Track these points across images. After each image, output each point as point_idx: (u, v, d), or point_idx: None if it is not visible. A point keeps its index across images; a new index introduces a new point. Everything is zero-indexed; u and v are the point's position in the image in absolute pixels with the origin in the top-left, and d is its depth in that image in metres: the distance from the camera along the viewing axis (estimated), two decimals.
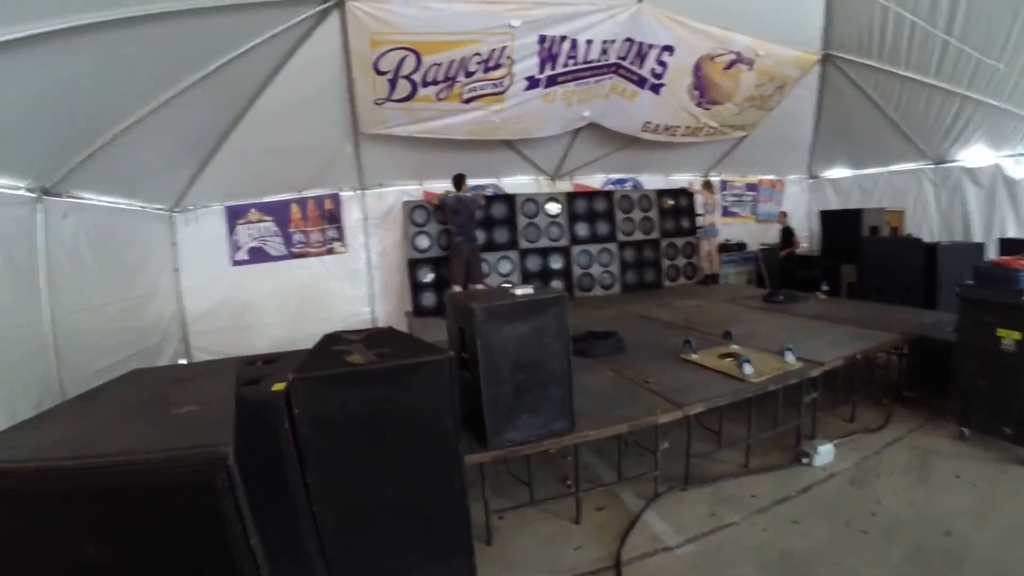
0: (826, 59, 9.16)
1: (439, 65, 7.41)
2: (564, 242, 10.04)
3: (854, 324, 6.30)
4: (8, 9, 3.79)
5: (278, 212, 9.35)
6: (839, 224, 10.17)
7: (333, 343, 3.51)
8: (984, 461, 4.57)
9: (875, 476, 4.46)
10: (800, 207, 12.99)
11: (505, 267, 9.61)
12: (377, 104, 7.73)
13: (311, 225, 9.53)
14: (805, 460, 4.66)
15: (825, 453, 4.67)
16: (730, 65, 8.84)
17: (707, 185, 11.11)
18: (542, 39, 7.51)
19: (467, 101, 8.09)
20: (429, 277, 9.08)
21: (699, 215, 10.96)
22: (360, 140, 8.66)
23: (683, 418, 4.19)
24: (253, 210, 9.17)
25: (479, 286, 8.46)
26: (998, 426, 4.65)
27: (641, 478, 4.39)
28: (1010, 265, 4.69)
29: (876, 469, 4.57)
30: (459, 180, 8.67)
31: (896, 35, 7.92)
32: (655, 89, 8.98)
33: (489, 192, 10.38)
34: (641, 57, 8.39)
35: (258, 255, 9.27)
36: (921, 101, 8.80)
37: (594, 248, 10.22)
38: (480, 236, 9.33)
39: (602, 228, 10.32)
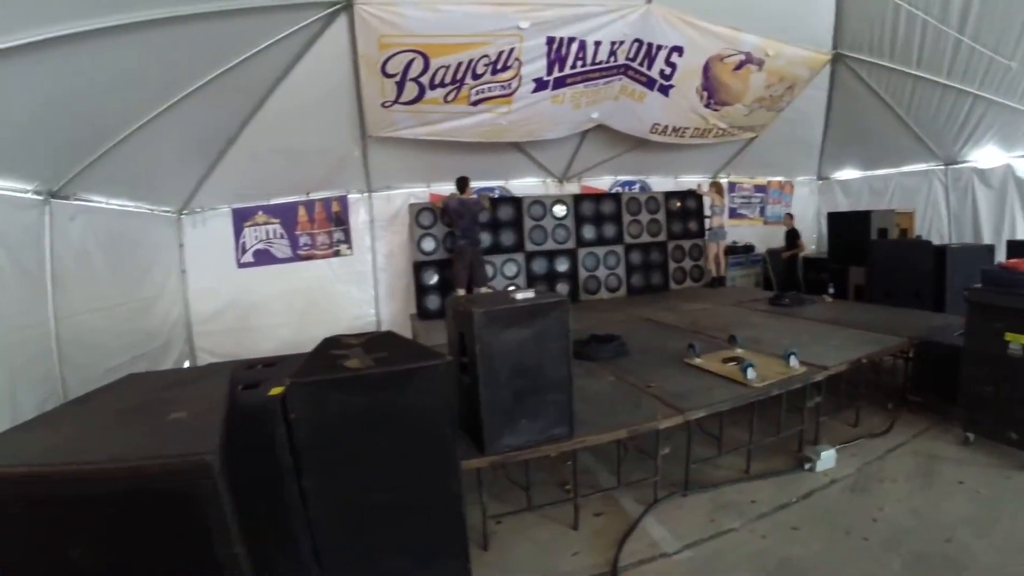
0: (836, 59, 9.09)
1: (447, 67, 7.42)
2: (570, 244, 10.00)
3: (860, 328, 6.25)
4: (18, 14, 3.83)
5: (285, 214, 9.39)
6: (847, 226, 10.06)
7: (332, 347, 3.52)
8: (989, 467, 4.52)
9: (878, 482, 4.42)
10: (809, 209, 12.92)
11: (511, 270, 9.58)
12: (385, 107, 7.76)
13: (318, 228, 9.58)
14: (807, 465, 4.62)
15: (827, 458, 4.62)
16: (740, 66, 8.79)
17: (715, 186, 11.04)
18: (550, 40, 7.49)
19: (475, 103, 8.09)
20: (434, 280, 9.08)
21: (707, 217, 10.90)
22: (368, 142, 8.69)
23: (684, 423, 4.17)
24: (260, 212, 9.23)
25: (483, 289, 8.45)
26: (1004, 432, 4.60)
27: (641, 483, 4.35)
28: (1019, 269, 4.63)
29: (879, 475, 4.53)
30: (462, 183, 8.66)
31: (908, 33, 7.85)
32: (664, 90, 8.95)
33: (496, 194, 10.39)
34: (650, 58, 8.36)
35: (264, 257, 9.33)
36: (933, 101, 8.73)
37: (600, 251, 10.17)
38: (486, 239, 9.33)
39: (609, 230, 10.27)
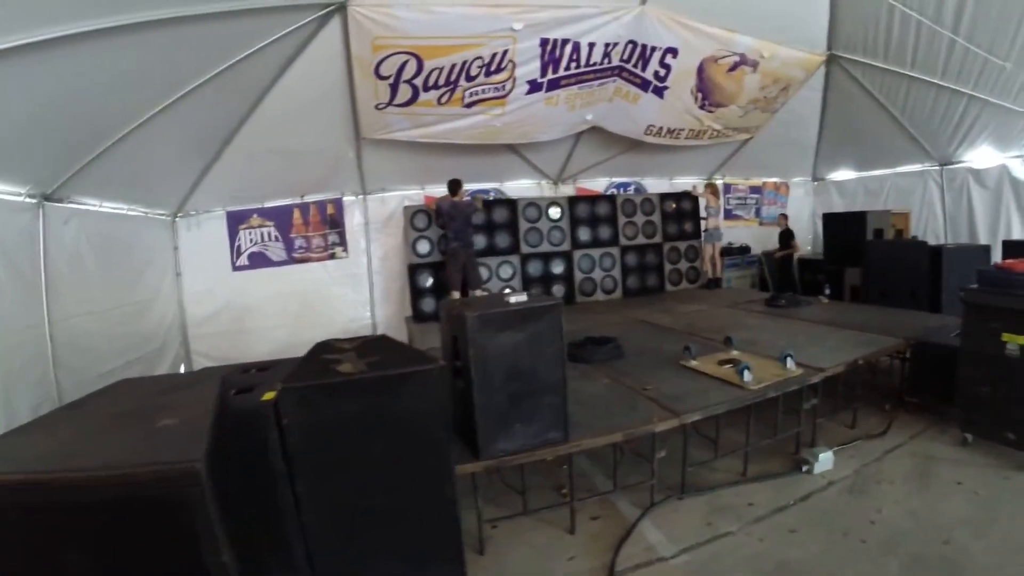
0: (831, 60, 9.07)
1: (441, 69, 7.38)
2: (566, 247, 10.00)
3: (857, 328, 6.25)
4: (12, 16, 3.80)
5: (280, 217, 9.36)
6: (843, 227, 10.06)
7: (324, 351, 3.50)
8: (987, 468, 4.51)
9: (875, 484, 4.41)
10: (804, 209, 12.92)
11: (506, 272, 9.57)
12: (379, 109, 7.72)
13: (313, 230, 9.55)
14: (805, 468, 4.61)
15: (825, 460, 4.61)
16: (734, 67, 8.78)
17: (711, 188, 11.04)
18: (544, 42, 7.46)
19: (469, 105, 8.05)
20: (429, 282, 9.06)
21: (703, 219, 10.89)
22: (362, 144, 8.66)
23: (680, 426, 4.15)
24: (255, 215, 9.19)
25: (478, 291, 8.43)
26: (1002, 432, 4.60)
27: (637, 487, 4.34)
28: (1014, 269, 4.63)
29: (877, 476, 4.52)
30: (454, 185, 8.62)
31: (902, 34, 7.83)
32: (658, 92, 8.93)
33: (491, 196, 10.36)
34: (644, 60, 8.34)
35: (259, 260, 9.29)
36: (927, 101, 8.72)
37: (596, 252, 10.16)
38: (481, 241, 9.32)
39: (604, 232, 10.27)
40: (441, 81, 7.53)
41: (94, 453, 2.11)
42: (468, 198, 8.95)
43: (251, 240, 9.26)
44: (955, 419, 5.02)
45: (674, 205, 10.77)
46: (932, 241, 9.06)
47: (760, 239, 12.56)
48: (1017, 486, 4.22)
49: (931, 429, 5.26)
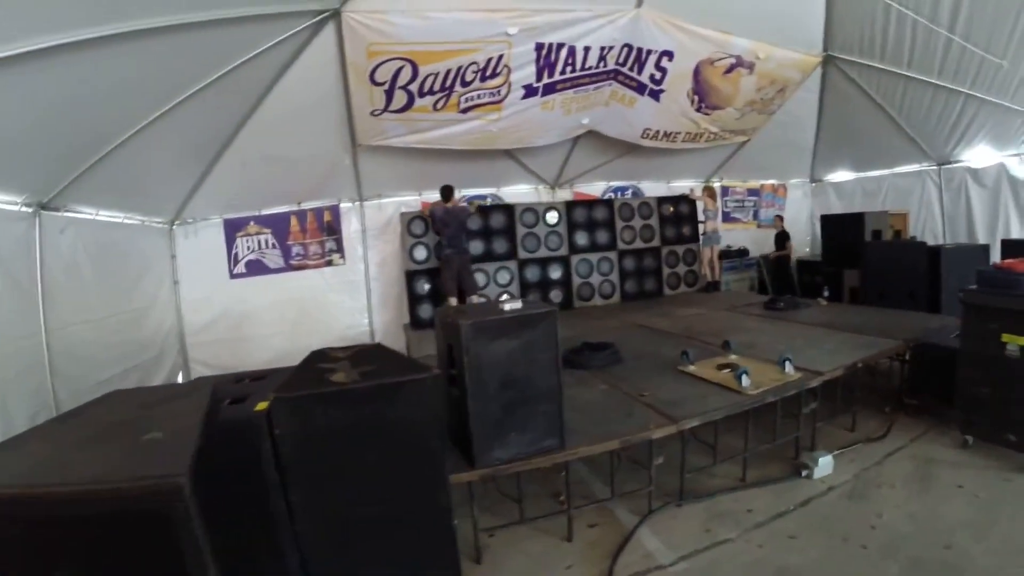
0: (827, 60, 9.07)
1: (436, 75, 7.37)
2: (563, 251, 9.96)
3: (856, 331, 6.22)
4: (12, 25, 3.80)
5: (277, 224, 9.34)
6: (841, 228, 10.05)
7: (319, 360, 3.48)
8: (987, 470, 4.48)
9: (876, 488, 4.38)
10: (803, 211, 12.93)
11: (504, 277, 9.54)
12: (374, 115, 7.72)
13: (310, 237, 9.53)
14: (804, 472, 4.58)
15: (824, 465, 4.58)
16: (730, 69, 8.78)
17: (708, 191, 11.03)
18: (539, 46, 7.45)
19: (464, 111, 8.04)
20: (426, 289, 9.04)
21: (701, 222, 10.87)
22: (358, 151, 8.64)
23: (678, 433, 4.12)
24: (252, 223, 9.17)
25: (474, 297, 8.41)
26: (1002, 434, 4.57)
27: (635, 494, 4.31)
28: (1014, 269, 4.61)
29: (877, 480, 4.49)
30: (447, 192, 8.60)
31: (898, 34, 7.83)
32: (655, 95, 8.93)
33: (488, 202, 10.36)
34: (640, 63, 8.34)
35: (256, 268, 9.26)
36: (924, 101, 8.74)
37: (594, 257, 10.13)
38: (478, 247, 9.32)
39: (602, 237, 10.23)
40: (436, 87, 7.53)
41: (78, 467, 2.11)
42: (465, 203, 8.92)
43: (248, 248, 9.24)
44: (955, 421, 4.99)
45: (672, 208, 10.74)
46: (930, 241, 9.06)
47: (758, 242, 12.56)
48: (1018, 488, 4.19)
49: (931, 431, 5.23)
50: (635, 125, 9.58)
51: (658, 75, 8.59)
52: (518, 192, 10.86)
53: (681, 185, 11.84)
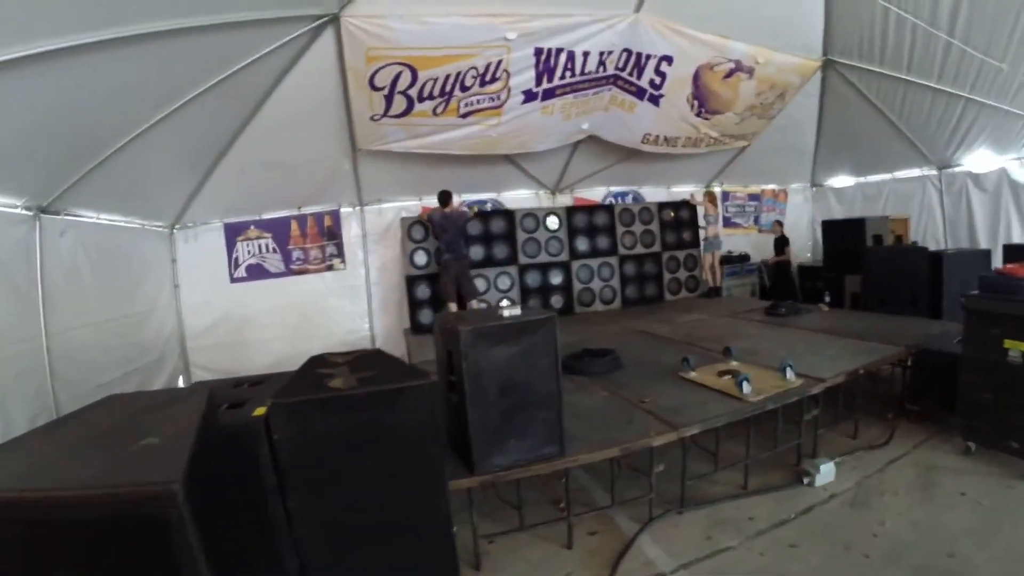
0: (827, 65, 9.05)
1: (435, 80, 7.37)
2: (564, 257, 9.94)
3: (857, 336, 6.19)
4: (12, 29, 3.81)
5: (277, 229, 9.35)
6: (842, 234, 10.01)
7: (317, 366, 3.47)
8: (990, 477, 4.45)
9: (878, 495, 4.35)
10: (803, 216, 12.91)
11: (504, 283, 9.52)
12: (374, 120, 7.71)
13: (310, 242, 9.54)
14: (806, 480, 4.54)
15: (826, 472, 4.54)
16: (729, 74, 8.77)
17: (709, 196, 11.01)
18: (538, 51, 7.44)
19: (464, 116, 8.04)
20: (427, 294, 9.03)
21: (701, 227, 10.86)
22: (358, 156, 8.64)
23: (678, 440, 4.09)
24: (252, 227, 9.19)
25: (474, 302, 8.40)
26: (1005, 440, 4.53)
27: (636, 501, 4.28)
28: (1016, 274, 4.58)
29: (879, 488, 4.45)
30: (444, 197, 8.60)
31: (898, 38, 7.80)
32: (654, 100, 8.91)
33: (488, 207, 10.36)
34: (639, 68, 8.32)
35: (257, 272, 9.28)
36: (924, 105, 8.71)
37: (594, 262, 10.11)
38: (478, 252, 9.32)
39: (603, 242, 10.22)
40: (436, 92, 7.53)
41: (75, 471, 2.11)
42: (464, 208, 8.91)
43: (249, 252, 9.25)
44: (958, 427, 4.95)
45: (672, 214, 10.72)
46: (932, 246, 9.04)
47: (759, 247, 12.51)
48: (1021, 495, 4.16)
49: (934, 438, 5.20)
50: (635, 130, 9.57)
51: (657, 80, 8.58)
52: (518, 197, 10.85)
53: (682, 190, 11.81)
